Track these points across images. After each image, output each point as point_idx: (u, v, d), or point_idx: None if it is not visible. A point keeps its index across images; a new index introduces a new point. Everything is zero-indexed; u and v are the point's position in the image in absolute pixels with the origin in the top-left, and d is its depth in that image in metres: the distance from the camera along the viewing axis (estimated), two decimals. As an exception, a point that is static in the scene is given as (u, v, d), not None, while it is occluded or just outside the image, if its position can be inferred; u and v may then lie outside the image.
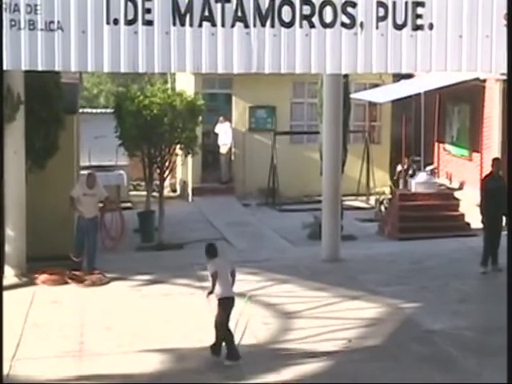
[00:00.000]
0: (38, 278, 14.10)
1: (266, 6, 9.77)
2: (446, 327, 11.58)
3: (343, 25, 9.93)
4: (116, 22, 9.57)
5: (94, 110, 26.93)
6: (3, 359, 9.83)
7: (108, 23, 9.56)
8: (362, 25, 9.97)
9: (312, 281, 14.15)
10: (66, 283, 14.09)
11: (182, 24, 9.67)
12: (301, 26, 9.85)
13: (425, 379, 9.71)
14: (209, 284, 10.35)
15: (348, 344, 10.96)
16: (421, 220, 18.48)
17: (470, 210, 18.11)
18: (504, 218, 14.41)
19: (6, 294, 13.01)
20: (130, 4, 9.56)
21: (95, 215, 15.14)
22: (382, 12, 10.00)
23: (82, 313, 12.47)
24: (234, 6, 9.72)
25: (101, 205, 15.51)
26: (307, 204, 21.95)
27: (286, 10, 9.81)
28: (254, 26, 9.78)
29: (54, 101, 15.04)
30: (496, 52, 10.16)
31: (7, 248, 14.33)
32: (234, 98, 24.99)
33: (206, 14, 9.69)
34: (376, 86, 24.85)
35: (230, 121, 24.83)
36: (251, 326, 11.43)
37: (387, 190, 23.21)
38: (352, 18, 9.94)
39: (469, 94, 21.92)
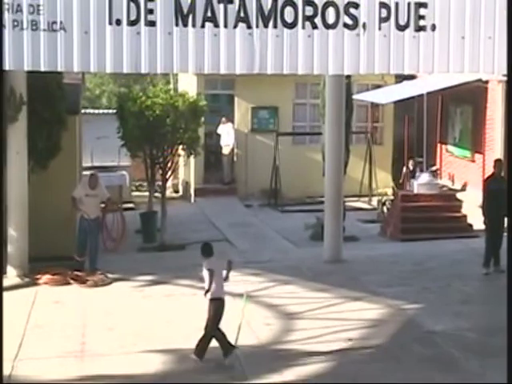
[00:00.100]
0: (40, 279, 14.11)
1: (269, 6, 9.77)
2: (448, 328, 11.58)
3: (346, 26, 9.93)
4: (118, 22, 9.57)
5: (97, 111, 26.94)
6: (5, 359, 9.86)
7: (110, 24, 9.57)
8: (364, 26, 9.97)
9: (314, 282, 14.15)
10: (68, 284, 14.09)
11: (185, 25, 9.68)
12: (303, 27, 9.85)
13: (426, 380, 9.70)
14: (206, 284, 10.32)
15: (349, 343, 10.96)
16: (423, 221, 18.47)
17: (473, 211, 18.10)
18: (506, 220, 14.39)
19: (8, 294, 13.07)
20: (132, 4, 9.56)
21: (97, 216, 15.16)
22: (384, 13, 10.00)
23: (84, 313, 12.47)
24: (237, 7, 9.72)
25: (103, 205, 15.51)
26: (309, 205, 21.96)
27: (288, 10, 9.81)
28: (257, 26, 9.78)
29: (56, 101, 15.05)
30: (498, 53, 10.16)
31: (9, 248, 14.34)
32: (236, 99, 25.00)
33: (209, 14, 9.69)
34: (378, 86, 24.85)
35: (233, 122, 24.85)
36: (253, 327, 11.46)
37: (389, 191, 23.22)
38: (354, 18, 9.94)
39: (471, 95, 21.92)
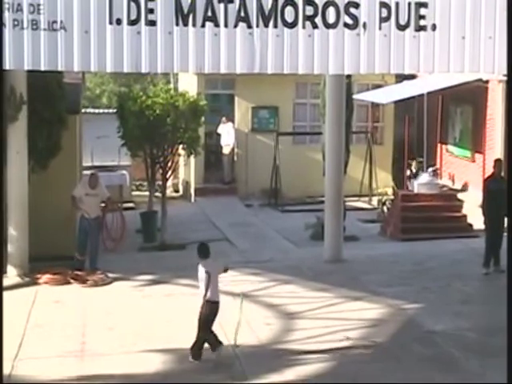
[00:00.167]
0: (40, 278, 14.11)
1: (269, 6, 9.77)
2: (448, 328, 11.58)
3: (346, 25, 9.93)
4: (119, 21, 9.57)
5: (97, 110, 26.95)
6: (5, 359, 9.86)
7: (111, 23, 9.57)
8: (364, 25, 9.97)
9: (314, 281, 14.15)
10: (69, 283, 14.09)
11: (185, 24, 9.68)
12: (304, 27, 9.85)
13: (426, 380, 9.70)
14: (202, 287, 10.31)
15: (346, 340, 10.97)
16: (423, 221, 18.47)
17: (473, 211, 18.10)
18: (506, 219, 14.39)
19: (8, 293, 13.08)
20: (132, 4, 9.56)
21: (97, 215, 15.16)
22: (384, 13, 10.00)
23: (84, 313, 12.48)
24: (237, 7, 9.72)
25: (103, 205, 15.51)
26: (310, 205, 21.95)
27: (288, 10, 9.81)
28: (257, 26, 9.78)
29: (56, 101, 15.05)
30: (499, 53, 10.15)
31: (10, 248, 14.34)
32: (236, 99, 25.00)
33: (209, 14, 9.69)
34: (379, 86, 24.85)
35: (233, 121, 24.85)
36: (253, 327, 11.46)
37: (390, 190, 23.22)
38: (355, 18, 9.94)
39: (471, 95, 21.92)
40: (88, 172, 16.94)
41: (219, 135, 24.82)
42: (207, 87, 24.35)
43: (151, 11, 9.61)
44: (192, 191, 24.85)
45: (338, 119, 15.84)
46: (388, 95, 23.50)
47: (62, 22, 9.48)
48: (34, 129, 14.43)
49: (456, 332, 11.41)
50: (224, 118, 24.57)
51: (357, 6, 9.92)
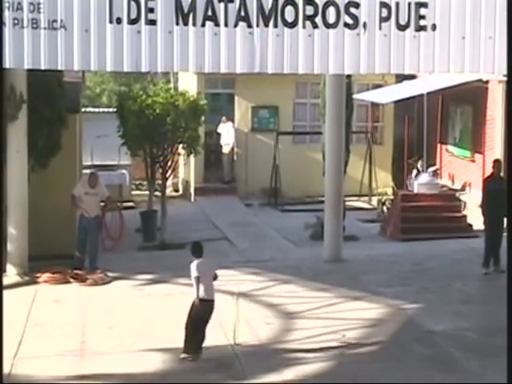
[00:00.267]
0: (40, 277, 14.10)
1: (269, 6, 9.78)
2: (448, 328, 11.57)
3: (346, 25, 9.94)
4: (119, 21, 9.58)
5: (97, 109, 26.96)
6: (5, 358, 9.86)
7: (111, 22, 9.58)
8: (365, 25, 9.97)
9: (314, 281, 14.14)
10: (68, 282, 14.09)
11: (185, 23, 9.68)
12: (304, 27, 9.86)
13: (426, 380, 9.69)
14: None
15: (343, 339, 10.99)
16: (423, 221, 18.47)
17: (472, 211, 18.10)
18: (505, 220, 14.39)
19: (8, 292, 13.07)
20: (133, 3, 9.57)
21: (97, 214, 15.15)
22: (385, 13, 10.00)
23: (84, 312, 12.47)
24: (237, 6, 9.73)
25: (102, 204, 15.51)
26: (309, 204, 21.94)
27: (289, 10, 9.81)
28: (257, 25, 9.79)
29: (56, 100, 15.05)
30: (499, 53, 10.16)
31: (9, 247, 14.34)
32: (236, 98, 25.00)
33: (209, 13, 9.70)
34: (379, 86, 24.85)
35: (233, 121, 24.85)
36: (253, 326, 11.46)
37: (389, 190, 23.22)
38: (355, 18, 9.94)
39: (471, 95, 21.91)
40: (88, 171, 16.93)
41: (219, 135, 24.83)
42: (207, 86, 24.35)
43: (151, 10, 9.62)
44: (192, 190, 24.85)
45: (337, 119, 15.84)
46: (388, 95, 23.49)
47: (62, 20, 9.49)
48: (33, 128, 14.43)
49: (456, 332, 11.40)
50: (224, 118, 24.58)
51: (357, 5, 9.93)
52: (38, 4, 9.39)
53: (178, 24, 9.67)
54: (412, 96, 22.09)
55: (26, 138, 14.27)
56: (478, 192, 18.09)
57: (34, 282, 14.03)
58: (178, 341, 10.80)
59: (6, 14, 9.35)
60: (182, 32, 9.68)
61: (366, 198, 23.56)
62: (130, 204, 22.59)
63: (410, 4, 10.03)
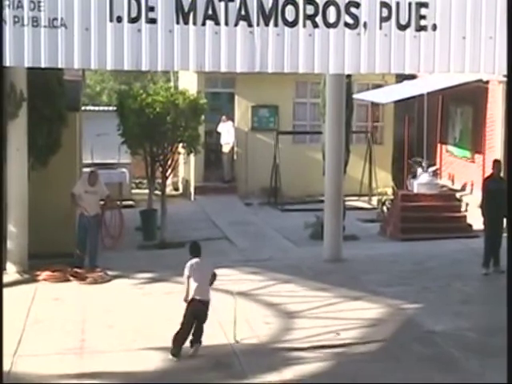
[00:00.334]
0: (39, 275, 14.11)
1: (270, 5, 9.77)
2: (448, 328, 11.57)
3: (347, 25, 9.93)
4: (119, 19, 9.58)
5: (97, 108, 26.95)
6: (4, 355, 9.86)
7: (111, 21, 9.58)
8: (365, 25, 9.97)
9: (314, 281, 14.14)
10: (68, 280, 14.09)
11: (186, 22, 9.68)
12: (304, 26, 9.85)
13: (426, 380, 9.69)
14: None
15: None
16: (423, 221, 18.47)
17: (472, 211, 18.10)
18: (505, 220, 14.39)
19: (8, 290, 13.06)
20: (133, 2, 9.57)
21: (97, 213, 15.15)
22: (385, 12, 10.00)
23: (84, 310, 12.48)
24: (238, 5, 9.72)
25: (102, 203, 15.51)
26: (309, 204, 21.95)
27: (289, 9, 9.81)
28: (258, 25, 9.78)
29: (56, 98, 15.05)
30: (499, 53, 10.15)
31: (9, 245, 14.34)
32: (236, 97, 25.00)
33: (210, 12, 9.69)
34: (379, 86, 24.84)
35: (233, 120, 24.85)
36: (252, 325, 11.46)
37: (389, 190, 23.22)
38: (355, 18, 9.94)
39: (472, 95, 21.91)
40: (88, 169, 16.93)
41: (219, 134, 24.83)
42: (207, 86, 24.35)
43: (152, 9, 9.61)
44: (192, 190, 24.85)
45: (338, 119, 15.84)
46: (388, 95, 23.49)
47: (62, 19, 9.48)
48: (33, 126, 14.43)
49: (456, 332, 11.40)
50: (224, 117, 24.58)
51: (357, 5, 9.92)
52: (39, 2, 9.38)
53: (178, 23, 9.67)
54: (412, 96, 22.09)
55: (26, 136, 14.27)
56: (477, 192, 18.08)
57: (33, 280, 14.03)
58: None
59: (7, 11, 9.35)
60: (182, 31, 9.68)
61: (366, 198, 23.57)
62: (130, 203, 22.60)
63: (410, 4, 10.02)
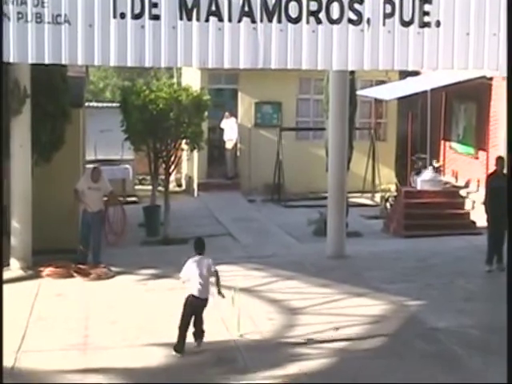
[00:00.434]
0: (43, 271, 14.12)
1: (273, 1, 9.78)
2: (451, 325, 11.57)
3: (350, 21, 9.93)
4: (123, 16, 9.58)
5: (100, 104, 26.96)
6: (8, 351, 9.88)
7: (115, 17, 9.58)
8: (368, 21, 9.96)
9: (317, 277, 14.14)
10: (72, 276, 14.11)
11: (189, 19, 9.68)
12: (307, 22, 9.85)
13: (429, 377, 9.69)
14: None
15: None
16: (426, 218, 18.47)
17: (479, 209, 18.07)
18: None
19: (11, 286, 13.12)
20: (137, -2, 9.57)
21: (100, 209, 15.16)
22: (389, 9, 9.99)
23: (87, 306, 12.49)
24: (241, 1, 9.73)
25: (105, 199, 15.53)
26: (312, 200, 21.96)
27: (292, 5, 9.80)
28: (261, 21, 9.78)
29: (60, 94, 15.06)
30: (503, 50, 10.14)
31: (13, 241, 14.37)
32: (240, 94, 25.00)
33: (213, 8, 9.69)
34: (382, 82, 24.84)
35: (236, 116, 24.85)
36: (256, 321, 11.47)
37: (393, 187, 23.22)
38: (359, 14, 9.93)
39: (475, 92, 21.89)
40: (91, 166, 16.95)
41: (222, 130, 24.84)
42: (210, 82, 24.36)
43: (155, 5, 9.61)
44: (195, 186, 24.87)
45: (341, 115, 15.83)
46: (391, 91, 23.48)
47: (66, 15, 9.49)
48: (37, 122, 14.43)
49: (459, 329, 11.40)
50: (227, 113, 24.58)
51: (361, 1, 9.92)
52: (42, -2, 9.40)
53: (181, 19, 9.67)
54: (415, 92, 22.08)
55: (29, 132, 14.28)
56: (481, 189, 18.06)
57: (37, 276, 14.05)
58: (181, 336, 10.84)
59: (10, 8, 9.35)
60: (185, 27, 9.68)
61: (369, 195, 23.58)
62: (133, 199, 22.62)
63: (413, 0, 10.02)
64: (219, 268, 10.65)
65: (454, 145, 23.66)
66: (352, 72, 17.09)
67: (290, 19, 9.82)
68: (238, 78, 24.41)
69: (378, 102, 25.44)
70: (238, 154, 24.99)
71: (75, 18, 9.51)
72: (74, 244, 15.07)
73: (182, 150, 18.96)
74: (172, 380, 9.53)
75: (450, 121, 23.88)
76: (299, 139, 25.17)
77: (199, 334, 10.40)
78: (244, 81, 24.33)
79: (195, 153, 20.76)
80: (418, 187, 19.28)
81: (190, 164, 25.09)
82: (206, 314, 10.51)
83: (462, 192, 20.59)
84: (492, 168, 16.21)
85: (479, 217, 16.83)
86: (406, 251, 16.46)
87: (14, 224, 14.33)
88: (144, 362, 10.06)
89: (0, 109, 11.95)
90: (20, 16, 9.38)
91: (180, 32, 9.68)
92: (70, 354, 10.32)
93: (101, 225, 15.35)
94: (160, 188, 19.65)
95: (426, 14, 10.06)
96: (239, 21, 9.75)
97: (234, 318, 10.96)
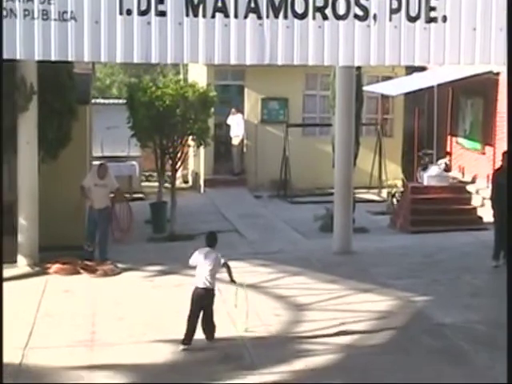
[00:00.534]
0: (50, 268, 14.16)
1: (279, -3, 9.76)
2: (458, 321, 11.56)
3: (356, 17, 9.91)
4: (129, 12, 9.58)
5: (107, 101, 26.98)
6: (15, 348, 9.92)
7: (121, 13, 9.58)
8: (375, 17, 9.95)
9: (323, 273, 14.15)
10: (78, 273, 14.14)
11: (195, 15, 9.68)
12: (314, 18, 9.83)
13: (435, 373, 9.69)
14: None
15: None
16: (433, 213, 18.44)
17: (486, 204, 18.03)
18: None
19: (18, 283, 13.18)
20: (143, -5, 9.57)
21: (106, 206, 15.17)
22: (395, 4, 9.98)
23: (94, 303, 12.52)
24: (248, -2, 9.72)
25: (112, 195, 15.54)
26: (319, 196, 21.96)
27: (299, 1, 9.79)
28: (267, 17, 9.77)
29: (66, 91, 15.07)
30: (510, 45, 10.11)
31: (20, 238, 14.40)
32: (246, 90, 24.99)
33: (219, 4, 9.69)
34: (389, 78, 24.79)
35: (243, 112, 24.84)
36: (262, 318, 11.48)
37: (399, 182, 23.19)
38: (365, 10, 9.92)
39: (482, 87, 21.83)
40: (98, 162, 16.97)
41: (229, 126, 24.83)
42: (217, 78, 24.35)
43: (161, 2, 9.62)
44: (201, 182, 24.88)
45: (347, 111, 15.81)
46: (398, 87, 23.44)
47: (72, 12, 9.50)
48: (44, 119, 14.45)
49: (465, 325, 11.39)
50: (233, 109, 24.58)
51: (367, -3, 9.90)
52: (49, -5, 9.40)
53: (188, 15, 9.67)
54: (422, 88, 22.02)
55: (36, 129, 14.30)
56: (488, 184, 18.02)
57: (44, 272, 14.08)
58: (188, 332, 10.85)
59: (17, 5, 9.37)
60: (192, 23, 9.68)
61: (376, 191, 23.55)
62: (140, 195, 22.65)
63: (420, -5, 10.00)
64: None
65: (461, 140, 23.61)
66: (358, 68, 17.06)
67: (296, 15, 9.81)
68: (245, 74, 24.39)
69: (385, 97, 25.40)
70: (245, 150, 24.99)
71: (81, 14, 9.52)
72: (81, 241, 15.09)
73: (189, 146, 18.96)
74: (179, 376, 9.54)
75: (456, 116, 23.83)
76: (306, 135, 25.16)
77: (209, 329, 10.40)
78: (250, 77, 24.32)
79: (202, 149, 20.76)
80: (425, 183, 19.26)
81: (196, 160, 25.09)
82: (215, 309, 10.51)
83: (472, 188, 20.54)
84: (499, 163, 16.17)
85: (487, 212, 16.80)
86: (413, 247, 16.45)
87: (21, 221, 14.36)
88: (151, 359, 10.08)
89: (0, 108, 11.95)
90: (26, 13, 9.39)
91: (186, 28, 9.68)
92: (76, 351, 10.34)
93: (107, 221, 15.36)
94: (166, 184, 19.66)
95: (433, 9, 10.04)
96: (245, 17, 9.75)
97: (240, 314, 10.96)
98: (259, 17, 9.76)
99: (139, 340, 10.75)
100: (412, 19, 10.03)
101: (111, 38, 9.60)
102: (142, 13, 9.60)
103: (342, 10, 9.87)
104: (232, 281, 10.55)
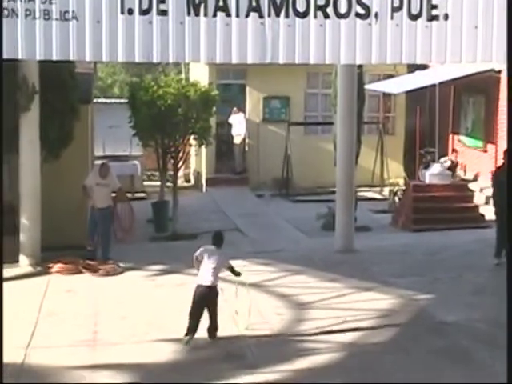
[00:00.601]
0: (52, 267, 14.16)
1: (281, -4, 9.76)
2: (460, 319, 11.55)
3: (358, 15, 9.90)
4: (130, 11, 9.58)
5: (108, 100, 27.01)
6: (17, 347, 9.93)
7: (122, 13, 9.58)
8: (376, 15, 9.94)
9: (325, 271, 14.15)
10: (81, 273, 14.15)
11: (197, 14, 9.67)
12: (315, 17, 9.83)
13: (437, 371, 9.69)
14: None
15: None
16: (435, 211, 18.44)
17: (490, 203, 18.02)
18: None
19: (20, 282, 13.19)
20: (144, -6, 9.57)
21: (108, 205, 15.17)
22: (396, 2, 9.96)
23: (96, 302, 12.52)
24: (249, -4, 9.71)
25: (114, 195, 15.54)
26: (321, 195, 21.97)
27: (300, 0, 9.79)
28: (269, 16, 9.77)
29: (68, 91, 15.08)
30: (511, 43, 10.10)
31: (22, 237, 14.41)
32: (248, 89, 25.00)
33: (221, 4, 9.68)
34: (390, 76, 24.79)
35: (244, 111, 24.85)
36: (264, 316, 11.48)
37: (401, 181, 23.19)
38: (367, 8, 9.91)
39: (484, 85, 21.83)
40: (99, 162, 16.97)
41: (230, 125, 24.84)
42: (218, 77, 24.36)
43: (163, 1, 9.61)
44: (203, 181, 24.89)
45: (349, 109, 15.81)
46: (400, 85, 23.44)
47: (73, 11, 9.49)
48: (46, 119, 14.46)
49: (467, 323, 11.38)
50: (235, 108, 24.58)
51: (368, -5, 9.89)
52: (50, -5, 9.40)
53: (189, 14, 9.67)
54: (424, 86, 22.02)
55: (38, 129, 14.31)
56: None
57: (46, 272, 14.09)
58: (190, 331, 10.85)
59: (18, 4, 9.37)
60: (193, 22, 9.67)
61: (378, 189, 23.55)
62: (142, 195, 22.66)
63: (421, -6, 9.99)
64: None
65: (463, 138, 23.62)
66: (360, 66, 17.05)
67: (297, 14, 9.81)
68: (246, 73, 24.40)
69: (386, 96, 25.39)
70: (247, 148, 25.00)
71: (83, 14, 9.51)
72: (83, 240, 15.10)
73: (191, 145, 18.97)
74: (181, 375, 9.54)
75: (458, 114, 23.83)
76: (307, 134, 25.16)
77: (214, 327, 10.41)
78: (252, 76, 24.32)
79: (203, 148, 20.77)
80: (427, 181, 19.26)
81: (198, 159, 25.10)
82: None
83: (474, 186, 20.53)
84: (500, 161, 16.17)
85: (489, 210, 16.80)
86: (415, 245, 16.45)
87: (23, 220, 14.37)
88: (153, 358, 10.08)
89: (0, 107, 11.96)
90: (28, 13, 9.39)
91: (188, 27, 9.68)
92: (79, 350, 10.34)
93: (109, 221, 15.36)
94: (168, 184, 19.67)
95: (434, 7, 10.02)
96: (247, 16, 9.74)
97: (242, 313, 10.96)
98: (260, 16, 9.75)
99: (141, 339, 10.76)
100: (413, 17, 10.02)
101: (113, 38, 9.60)
102: (144, 12, 9.60)
103: (343, 9, 9.86)
104: (237, 274, 10.56)
